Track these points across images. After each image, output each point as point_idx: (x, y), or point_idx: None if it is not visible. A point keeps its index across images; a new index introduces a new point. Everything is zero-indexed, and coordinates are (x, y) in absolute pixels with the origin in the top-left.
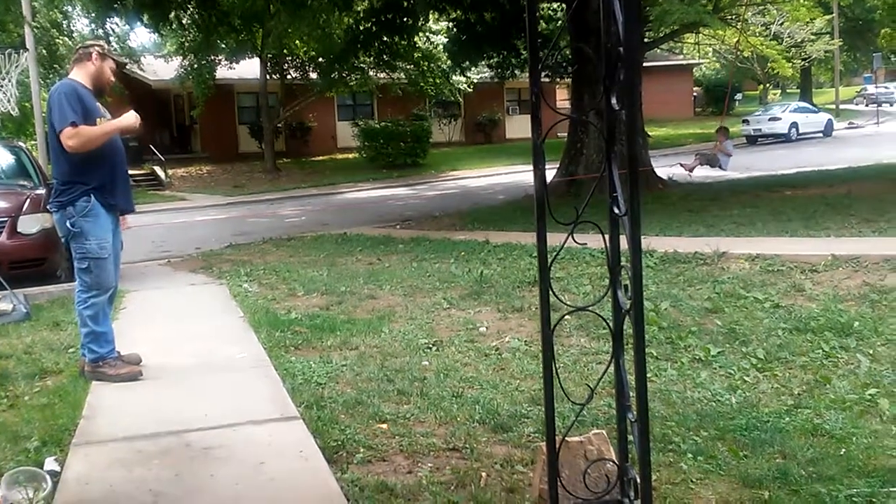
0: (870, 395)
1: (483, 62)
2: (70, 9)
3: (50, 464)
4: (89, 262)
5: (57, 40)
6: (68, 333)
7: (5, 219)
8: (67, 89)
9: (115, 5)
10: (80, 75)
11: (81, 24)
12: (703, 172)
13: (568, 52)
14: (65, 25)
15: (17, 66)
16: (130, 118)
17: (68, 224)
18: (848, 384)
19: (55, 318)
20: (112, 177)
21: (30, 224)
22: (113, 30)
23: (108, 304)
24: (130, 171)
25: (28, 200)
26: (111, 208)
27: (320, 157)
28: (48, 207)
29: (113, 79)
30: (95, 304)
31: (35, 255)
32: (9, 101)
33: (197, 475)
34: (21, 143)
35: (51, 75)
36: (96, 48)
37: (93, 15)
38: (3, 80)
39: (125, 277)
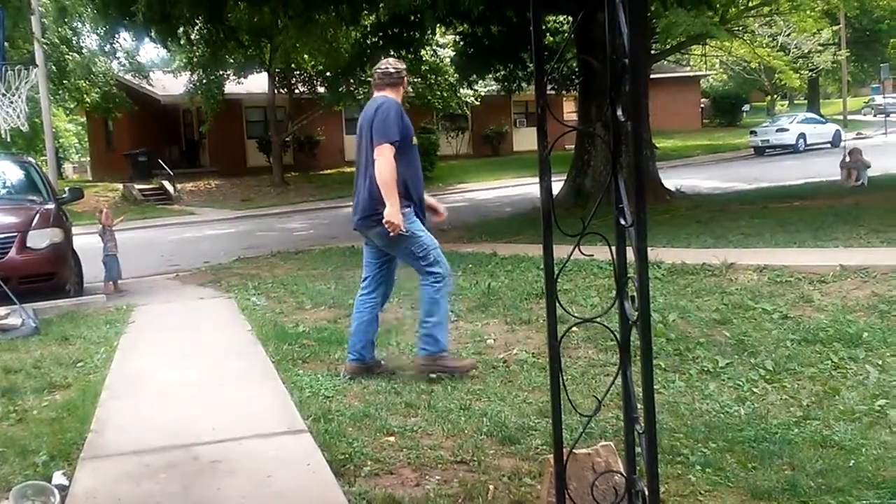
0: (879, 405)
1: (490, 75)
2: (79, 25)
3: (58, 478)
4: (432, 254)
5: (66, 56)
6: (77, 348)
7: (15, 234)
8: (398, 106)
9: (125, 21)
10: (395, 96)
11: (91, 40)
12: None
13: (574, 65)
14: (74, 42)
15: (26, 82)
16: (396, 221)
17: (399, 232)
18: (857, 395)
19: (64, 332)
20: (418, 186)
21: (39, 239)
22: (121, 45)
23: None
24: (138, 186)
25: (37, 215)
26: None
27: (328, 171)
28: (366, 222)
29: None
30: (447, 294)
31: (44, 270)
32: (18, 116)
33: (204, 488)
34: (31, 159)
35: (60, 91)
36: (405, 72)
37: (102, 31)
38: (13, 95)
39: (134, 292)
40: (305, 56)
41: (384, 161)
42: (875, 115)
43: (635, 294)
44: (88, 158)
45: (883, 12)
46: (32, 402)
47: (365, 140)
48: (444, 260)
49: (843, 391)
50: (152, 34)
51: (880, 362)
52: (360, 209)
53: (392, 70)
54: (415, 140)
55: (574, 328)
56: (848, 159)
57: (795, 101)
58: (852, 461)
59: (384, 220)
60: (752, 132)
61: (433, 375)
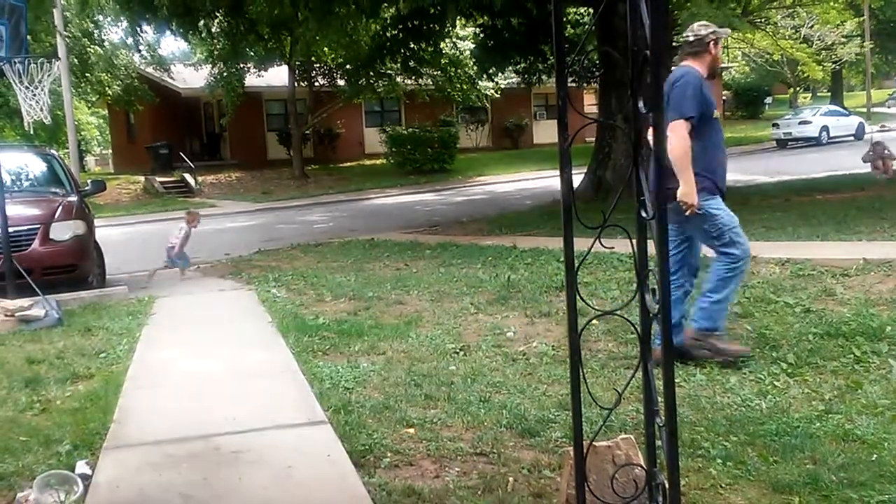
0: None
1: (510, 68)
2: (101, 18)
3: (81, 467)
4: (728, 234)
5: (88, 49)
6: (99, 339)
7: (38, 226)
8: (696, 80)
9: (146, 14)
10: (698, 65)
11: (113, 33)
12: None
13: (595, 57)
14: (96, 35)
15: (49, 75)
16: (691, 200)
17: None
18: (880, 389)
19: (87, 323)
20: (719, 162)
21: (62, 231)
22: (143, 38)
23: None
24: (159, 178)
25: (60, 207)
26: (720, 191)
27: (348, 164)
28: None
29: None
30: (741, 274)
31: (67, 262)
32: (41, 109)
33: (225, 479)
34: (53, 151)
35: (82, 84)
36: (711, 37)
37: (124, 23)
38: (36, 88)
39: (155, 284)
40: (325, 49)
41: (677, 138)
42: None
43: (656, 287)
44: (110, 151)
45: None
46: (56, 393)
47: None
48: (743, 241)
49: (866, 385)
50: (173, 27)
51: None
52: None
53: (692, 38)
54: (716, 114)
55: (594, 321)
56: (873, 153)
57: (818, 94)
58: (875, 455)
59: (678, 199)
60: (774, 125)
61: (701, 352)
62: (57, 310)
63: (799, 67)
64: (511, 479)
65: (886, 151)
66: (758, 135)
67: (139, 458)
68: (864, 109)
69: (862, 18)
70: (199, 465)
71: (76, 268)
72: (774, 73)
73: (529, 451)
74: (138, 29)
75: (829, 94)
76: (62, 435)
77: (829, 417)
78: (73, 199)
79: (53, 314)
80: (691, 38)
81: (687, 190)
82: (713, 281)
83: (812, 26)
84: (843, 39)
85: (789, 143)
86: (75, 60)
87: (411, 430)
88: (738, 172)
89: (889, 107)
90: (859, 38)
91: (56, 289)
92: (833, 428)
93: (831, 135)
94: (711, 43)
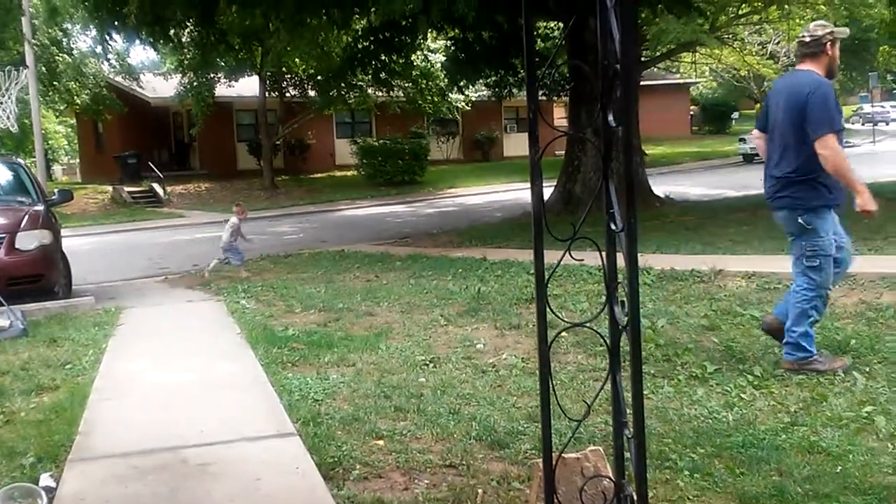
0: (866, 412)
1: (481, 81)
2: (70, 26)
3: (45, 480)
4: (821, 259)
5: (57, 57)
6: (65, 350)
7: (3, 235)
8: (832, 91)
9: (115, 22)
10: (817, 67)
11: (81, 41)
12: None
13: (565, 70)
14: (65, 43)
15: (16, 84)
16: (873, 207)
17: (800, 220)
18: (844, 402)
19: (52, 334)
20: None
21: (28, 240)
22: (112, 47)
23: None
24: (128, 188)
25: (26, 217)
26: (834, 206)
27: (318, 175)
28: (772, 203)
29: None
30: (818, 305)
31: (33, 272)
32: (8, 117)
33: (193, 491)
34: (20, 160)
35: (50, 93)
36: (828, 38)
37: (93, 32)
38: (3, 97)
39: (123, 294)
40: (296, 60)
41: (833, 152)
42: (863, 124)
43: (625, 299)
44: (78, 160)
45: (872, 21)
46: (20, 404)
47: (785, 117)
48: (828, 269)
49: (831, 398)
50: (143, 36)
51: (867, 369)
52: (769, 189)
53: (808, 39)
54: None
55: (564, 333)
56: None
57: None
58: (839, 467)
59: (858, 209)
60: (741, 139)
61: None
62: (22, 320)
63: (765, 83)
64: (480, 491)
65: None
66: (724, 149)
67: (105, 470)
68: None
69: None
70: (166, 478)
71: (42, 278)
72: (741, 88)
73: (499, 463)
74: (107, 37)
75: None
76: (26, 447)
77: (795, 430)
78: (40, 208)
79: (18, 325)
80: (807, 39)
81: (863, 199)
82: (793, 317)
83: (778, 42)
84: None
85: (755, 157)
86: (43, 69)
87: (381, 442)
88: (706, 187)
89: (853, 123)
90: None
91: (21, 299)
92: (798, 440)
93: None
94: (828, 44)
